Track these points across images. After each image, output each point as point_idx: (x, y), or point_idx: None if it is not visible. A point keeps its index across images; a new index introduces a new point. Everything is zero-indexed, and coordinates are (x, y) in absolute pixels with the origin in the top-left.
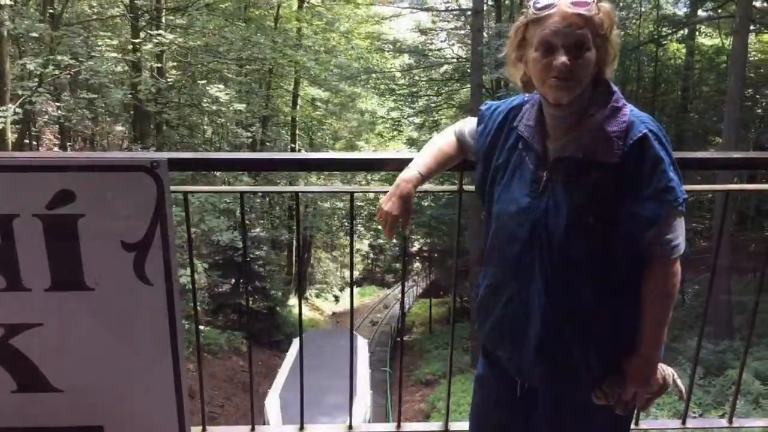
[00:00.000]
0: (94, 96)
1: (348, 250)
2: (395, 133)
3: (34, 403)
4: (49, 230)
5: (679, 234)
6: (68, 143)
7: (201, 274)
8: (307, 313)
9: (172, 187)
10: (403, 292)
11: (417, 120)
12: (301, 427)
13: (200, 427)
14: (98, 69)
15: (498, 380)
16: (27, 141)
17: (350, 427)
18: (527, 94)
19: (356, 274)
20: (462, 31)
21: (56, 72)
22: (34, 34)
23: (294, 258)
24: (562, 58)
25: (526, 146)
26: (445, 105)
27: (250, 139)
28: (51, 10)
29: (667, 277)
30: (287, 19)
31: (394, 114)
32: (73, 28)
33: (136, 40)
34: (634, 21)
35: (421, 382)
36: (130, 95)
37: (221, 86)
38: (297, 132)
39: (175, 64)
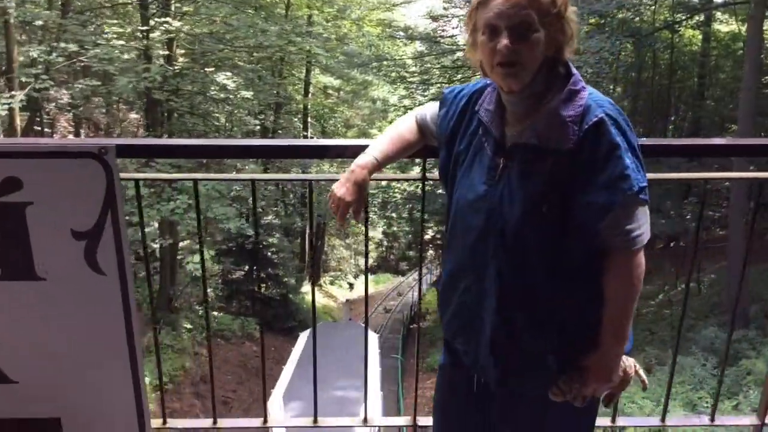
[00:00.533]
0: (97, 84)
1: (362, 238)
2: None
3: None
4: None
5: (642, 224)
6: (81, 130)
7: (209, 261)
8: (321, 300)
9: (123, 174)
10: (420, 282)
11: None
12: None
13: (160, 420)
14: (103, 56)
15: (457, 370)
16: (39, 128)
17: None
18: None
19: (370, 261)
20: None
21: (59, 59)
22: (39, 22)
23: (307, 246)
24: (504, 41)
25: (485, 132)
26: None
27: (258, 127)
28: None
29: (629, 268)
30: (298, 6)
31: (407, 102)
32: (78, 16)
33: (144, 28)
34: (649, 6)
35: (432, 369)
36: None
37: (228, 74)
38: (309, 120)
39: (183, 51)
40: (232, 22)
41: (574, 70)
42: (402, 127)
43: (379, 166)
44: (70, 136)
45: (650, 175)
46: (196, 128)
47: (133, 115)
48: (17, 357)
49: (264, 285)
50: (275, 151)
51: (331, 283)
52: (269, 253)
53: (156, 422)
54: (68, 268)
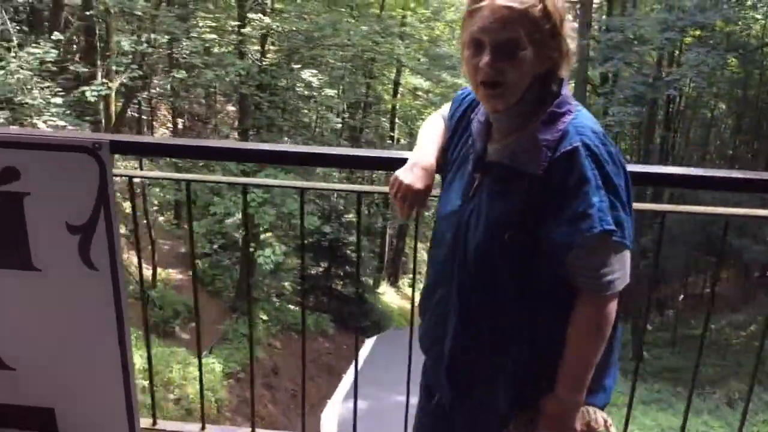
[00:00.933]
0: (189, 75)
1: None
2: None
3: None
4: None
5: (615, 269)
6: (179, 120)
7: (283, 255)
8: (398, 302)
9: (116, 170)
10: None
11: None
12: None
13: (150, 420)
14: (193, 49)
15: (425, 385)
16: (137, 115)
17: None
18: None
19: None
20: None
21: (149, 50)
22: (138, 12)
23: (386, 247)
24: (486, 59)
25: (472, 144)
26: None
27: (340, 125)
28: None
29: (594, 313)
30: (392, 6)
31: None
32: (172, 8)
33: (235, 23)
34: (758, 20)
35: None
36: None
37: (314, 71)
38: (396, 120)
39: (275, 48)
40: (319, 20)
41: (565, 90)
42: (437, 129)
43: (436, 166)
44: (168, 126)
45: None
46: (283, 123)
47: (230, 107)
48: (15, 345)
49: (341, 283)
50: (262, 156)
51: (410, 285)
52: (348, 251)
53: (146, 422)
54: (63, 261)
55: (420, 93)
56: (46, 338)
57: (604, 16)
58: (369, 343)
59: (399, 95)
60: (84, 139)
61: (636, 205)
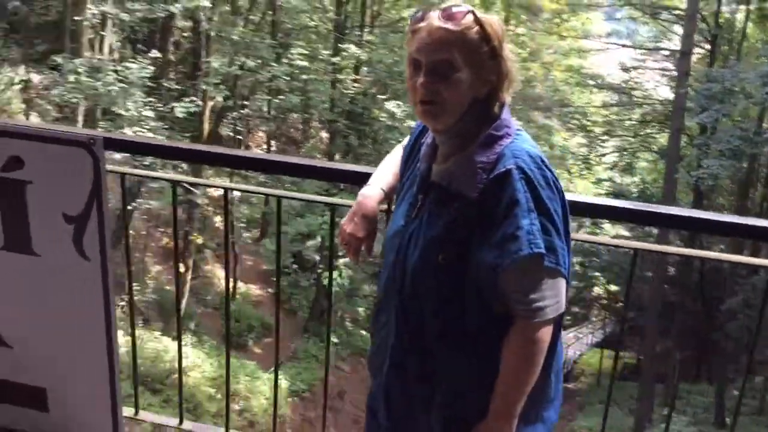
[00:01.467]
0: (278, 100)
1: None
2: (585, 171)
3: None
4: (1, 192)
5: (546, 295)
6: (273, 142)
7: (345, 279)
8: None
9: (110, 167)
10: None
11: (608, 160)
12: None
13: (133, 409)
14: (285, 75)
15: (369, 406)
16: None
17: None
18: None
19: None
20: (668, 73)
21: (238, 71)
22: (235, 37)
23: None
24: (421, 79)
25: (419, 166)
26: (641, 148)
27: None
28: (253, 16)
29: (524, 340)
30: None
31: (584, 150)
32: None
33: (326, 52)
34: None
35: None
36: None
37: (399, 102)
38: None
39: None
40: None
41: (506, 114)
42: (393, 158)
43: (384, 197)
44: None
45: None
46: (364, 151)
47: (323, 134)
48: (13, 324)
49: None
50: (257, 164)
51: None
52: None
53: (128, 411)
54: (58, 248)
55: None
56: (41, 320)
57: (705, 67)
58: None
59: None
60: (80, 135)
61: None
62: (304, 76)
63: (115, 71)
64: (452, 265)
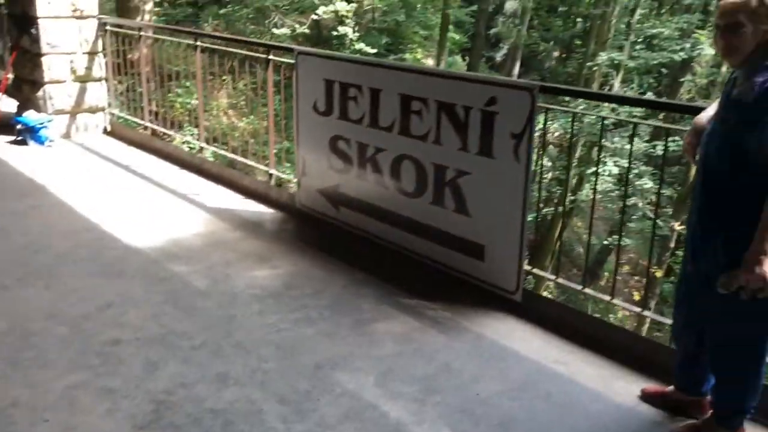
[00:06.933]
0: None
1: None
2: None
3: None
4: (482, 118)
5: None
6: None
7: None
8: None
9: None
10: None
11: None
12: None
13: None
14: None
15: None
16: None
17: None
18: None
19: None
20: None
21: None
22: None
23: None
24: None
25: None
26: None
27: None
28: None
29: None
30: None
31: None
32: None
33: None
34: None
35: None
36: None
37: None
38: None
39: None
40: None
41: None
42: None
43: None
44: None
45: None
46: None
47: None
48: (475, 199)
49: None
50: None
51: None
52: None
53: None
54: (505, 154)
55: None
56: (491, 199)
57: None
58: None
59: None
60: (527, 83)
61: None
62: None
63: None
64: (735, 146)
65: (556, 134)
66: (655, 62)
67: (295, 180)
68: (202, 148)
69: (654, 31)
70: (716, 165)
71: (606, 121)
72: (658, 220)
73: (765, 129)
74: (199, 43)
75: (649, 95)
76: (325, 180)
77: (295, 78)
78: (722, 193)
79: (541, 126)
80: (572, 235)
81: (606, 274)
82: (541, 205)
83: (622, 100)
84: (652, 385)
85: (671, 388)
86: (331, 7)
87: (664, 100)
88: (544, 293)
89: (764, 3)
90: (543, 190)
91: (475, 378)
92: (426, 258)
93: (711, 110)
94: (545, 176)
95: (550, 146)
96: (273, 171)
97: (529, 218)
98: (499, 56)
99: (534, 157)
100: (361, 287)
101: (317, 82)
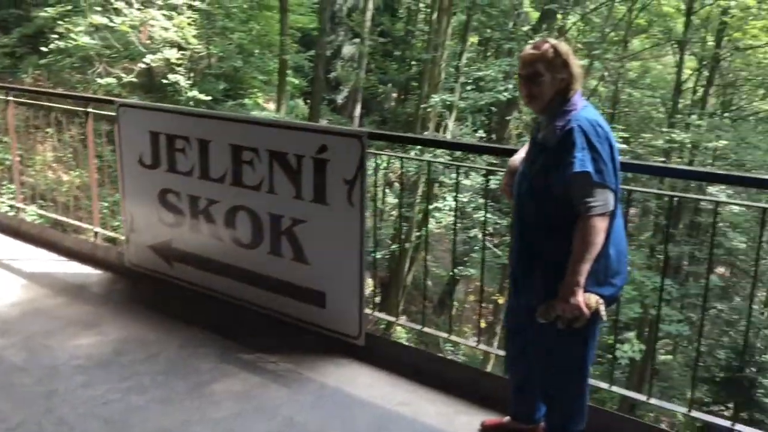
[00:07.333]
0: None
1: None
2: None
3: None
4: (315, 166)
5: (597, 199)
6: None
7: (637, 354)
8: None
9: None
10: None
11: None
12: None
13: (370, 310)
14: None
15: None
16: None
17: None
18: None
19: None
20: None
21: None
22: None
23: None
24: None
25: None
26: None
27: None
28: None
29: (584, 228)
30: None
31: None
32: None
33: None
34: None
35: None
36: None
37: None
38: None
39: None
40: None
41: (576, 97)
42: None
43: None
44: None
45: None
46: None
47: None
48: (312, 248)
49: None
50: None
51: None
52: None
53: (368, 310)
54: (339, 200)
55: None
56: (327, 246)
57: None
58: None
59: None
60: (354, 130)
61: None
62: None
63: None
64: (543, 186)
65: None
66: (483, 102)
67: (124, 237)
68: (19, 209)
69: (480, 73)
70: (528, 204)
71: (439, 160)
72: (497, 249)
73: (567, 170)
74: (11, 98)
75: (480, 133)
76: (157, 235)
77: (117, 131)
78: (536, 230)
79: (385, 166)
80: (421, 269)
81: (456, 303)
82: (389, 242)
83: (440, 144)
84: (492, 418)
85: (508, 418)
86: (159, 55)
87: (476, 142)
88: (401, 332)
89: (560, 54)
90: (390, 228)
91: (319, 430)
92: (268, 309)
93: (523, 152)
94: (392, 214)
95: (395, 184)
96: (98, 229)
97: (379, 255)
98: (340, 99)
99: (381, 195)
100: (199, 347)
101: (142, 134)
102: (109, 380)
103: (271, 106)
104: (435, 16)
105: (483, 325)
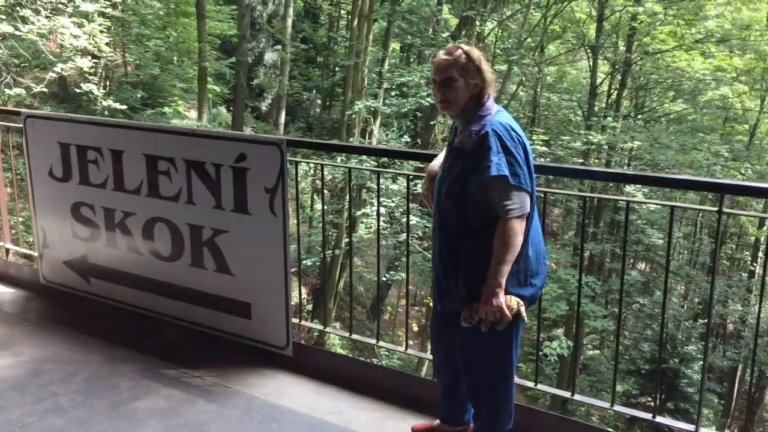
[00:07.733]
0: None
1: None
2: None
3: (201, 275)
4: (234, 175)
5: (514, 202)
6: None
7: (564, 350)
8: None
9: (289, 157)
10: None
11: None
12: None
13: (297, 319)
14: None
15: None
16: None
17: None
18: None
19: None
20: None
21: None
22: None
23: (735, 390)
24: (436, 89)
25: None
26: None
27: None
28: None
29: (501, 228)
30: None
31: None
32: None
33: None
34: None
35: None
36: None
37: None
38: None
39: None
40: None
41: (489, 102)
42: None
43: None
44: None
45: None
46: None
47: None
48: (236, 259)
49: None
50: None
51: None
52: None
53: (294, 320)
54: (261, 209)
55: None
56: (250, 255)
57: None
58: None
59: None
60: (274, 138)
61: None
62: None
63: None
64: (461, 190)
65: (327, 180)
66: (407, 108)
67: (37, 254)
68: None
69: (403, 79)
70: (448, 209)
71: (363, 166)
72: (427, 253)
73: (483, 174)
74: None
75: (406, 137)
76: (72, 251)
77: (24, 143)
78: (456, 235)
79: (312, 173)
80: (354, 275)
81: (389, 308)
82: (319, 249)
83: (361, 151)
84: (421, 422)
85: (438, 422)
86: (70, 64)
87: (395, 148)
88: (334, 339)
89: (472, 59)
90: (320, 234)
91: None
92: (192, 323)
93: (441, 157)
94: (321, 221)
95: (324, 191)
96: (9, 245)
97: (309, 263)
98: (264, 106)
99: (309, 202)
100: (120, 364)
101: (51, 146)
102: (25, 402)
103: (193, 114)
104: (356, 22)
105: (416, 328)
